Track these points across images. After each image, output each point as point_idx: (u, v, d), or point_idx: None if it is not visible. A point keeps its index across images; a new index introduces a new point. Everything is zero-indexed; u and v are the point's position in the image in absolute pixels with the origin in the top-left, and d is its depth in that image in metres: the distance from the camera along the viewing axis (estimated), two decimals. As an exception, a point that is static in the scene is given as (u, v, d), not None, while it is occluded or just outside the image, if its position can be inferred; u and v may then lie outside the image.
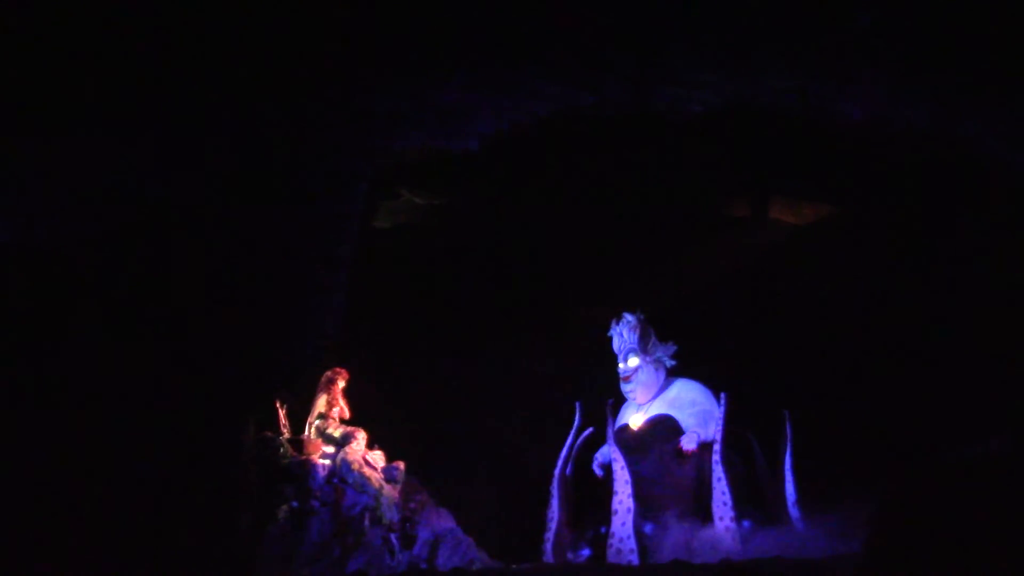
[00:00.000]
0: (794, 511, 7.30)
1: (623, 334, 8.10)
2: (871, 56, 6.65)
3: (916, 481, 4.76)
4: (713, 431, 7.54)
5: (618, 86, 6.81)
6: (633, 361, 8.03)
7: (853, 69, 6.68)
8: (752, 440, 7.78)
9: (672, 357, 8.10)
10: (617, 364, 8.12)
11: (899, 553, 4.58)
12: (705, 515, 7.22)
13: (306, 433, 7.72)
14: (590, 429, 7.89)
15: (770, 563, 6.00)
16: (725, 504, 7.19)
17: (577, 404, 7.93)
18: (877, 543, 4.84)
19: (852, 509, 6.35)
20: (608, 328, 8.19)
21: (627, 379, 8.05)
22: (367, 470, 7.52)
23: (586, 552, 7.39)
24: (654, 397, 8.02)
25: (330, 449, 7.59)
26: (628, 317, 8.12)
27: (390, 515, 7.42)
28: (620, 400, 8.15)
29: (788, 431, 7.55)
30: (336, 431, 7.73)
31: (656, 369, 8.05)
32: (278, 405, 7.61)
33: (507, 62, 6.67)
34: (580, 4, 6.64)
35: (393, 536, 7.38)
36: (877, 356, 8.06)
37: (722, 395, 7.56)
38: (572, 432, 7.86)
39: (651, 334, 8.13)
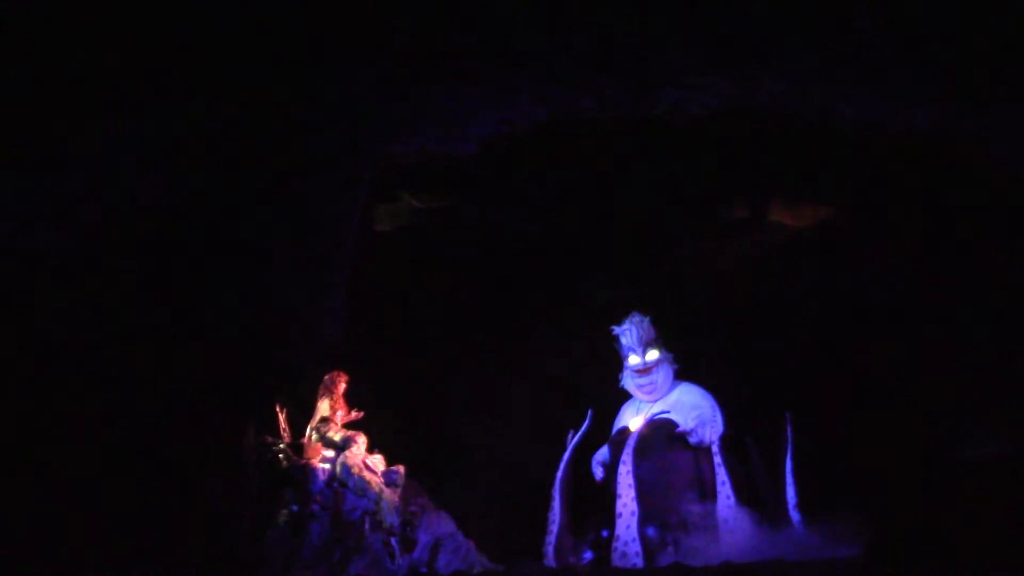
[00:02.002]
0: (795, 514, 7.30)
1: (643, 326, 8.09)
2: (870, 58, 6.64)
3: (916, 482, 4.76)
4: (711, 434, 7.56)
5: (618, 89, 6.80)
6: (653, 354, 8.01)
7: (852, 71, 6.67)
8: (749, 444, 7.77)
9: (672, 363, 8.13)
10: (628, 358, 8.08)
11: (899, 554, 4.58)
12: (708, 516, 7.22)
13: (306, 437, 7.71)
14: (572, 433, 7.86)
15: (770, 565, 5.99)
16: (729, 508, 7.20)
17: (589, 411, 7.94)
18: (878, 544, 4.84)
19: (853, 512, 6.35)
20: (612, 327, 8.19)
21: (647, 371, 7.99)
22: (367, 474, 7.52)
23: (588, 555, 7.39)
24: (658, 399, 8.02)
25: (330, 453, 7.59)
26: (639, 316, 8.14)
27: (390, 519, 7.42)
28: (615, 401, 8.15)
29: (789, 434, 7.55)
30: (336, 435, 7.72)
31: (670, 367, 8.06)
32: (278, 409, 7.62)
33: (506, 65, 6.66)
34: (579, 7, 6.64)
35: (393, 540, 7.38)
36: (877, 358, 8.04)
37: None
38: (578, 436, 7.84)
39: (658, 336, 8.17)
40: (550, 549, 7.46)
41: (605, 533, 7.30)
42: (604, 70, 6.74)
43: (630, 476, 7.29)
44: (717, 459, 7.37)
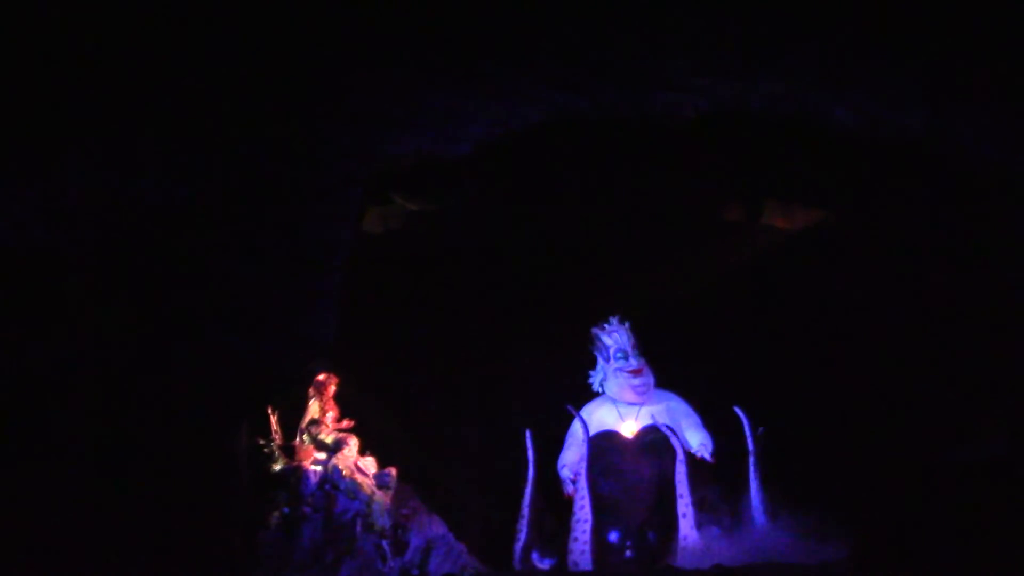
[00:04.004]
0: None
1: (623, 332, 8.10)
2: (864, 61, 6.67)
3: (912, 481, 4.78)
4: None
5: (613, 91, 6.82)
6: (640, 358, 8.03)
7: (847, 74, 6.70)
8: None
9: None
10: (616, 360, 8.04)
11: (893, 554, 4.59)
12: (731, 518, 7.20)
13: (298, 439, 7.70)
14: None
15: (762, 568, 6.01)
16: (758, 509, 7.16)
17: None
18: (866, 546, 4.85)
19: (836, 512, 6.38)
20: (594, 328, 8.20)
21: (639, 372, 7.96)
22: (359, 476, 7.52)
23: (629, 554, 7.27)
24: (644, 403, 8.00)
25: (322, 455, 7.59)
26: (621, 321, 8.15)
27: (382, 521, 7.41)
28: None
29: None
30: (328, 437, 7.72)
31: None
32: (270, 411, 7.61)
33: (501, 66, 6.66)
34: (575, 8, 6.65)
35: (385, 542, 7.36)
36: (872, 360, 8.07)
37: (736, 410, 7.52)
38: (586, 433, 7.71)
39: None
40: (587, 547, 7.14)
41: (615, 534, 7.25)
42: (599, 72, 6.75)
43: (684, 473, 7.28)
44: (752, 469, 7.25)
